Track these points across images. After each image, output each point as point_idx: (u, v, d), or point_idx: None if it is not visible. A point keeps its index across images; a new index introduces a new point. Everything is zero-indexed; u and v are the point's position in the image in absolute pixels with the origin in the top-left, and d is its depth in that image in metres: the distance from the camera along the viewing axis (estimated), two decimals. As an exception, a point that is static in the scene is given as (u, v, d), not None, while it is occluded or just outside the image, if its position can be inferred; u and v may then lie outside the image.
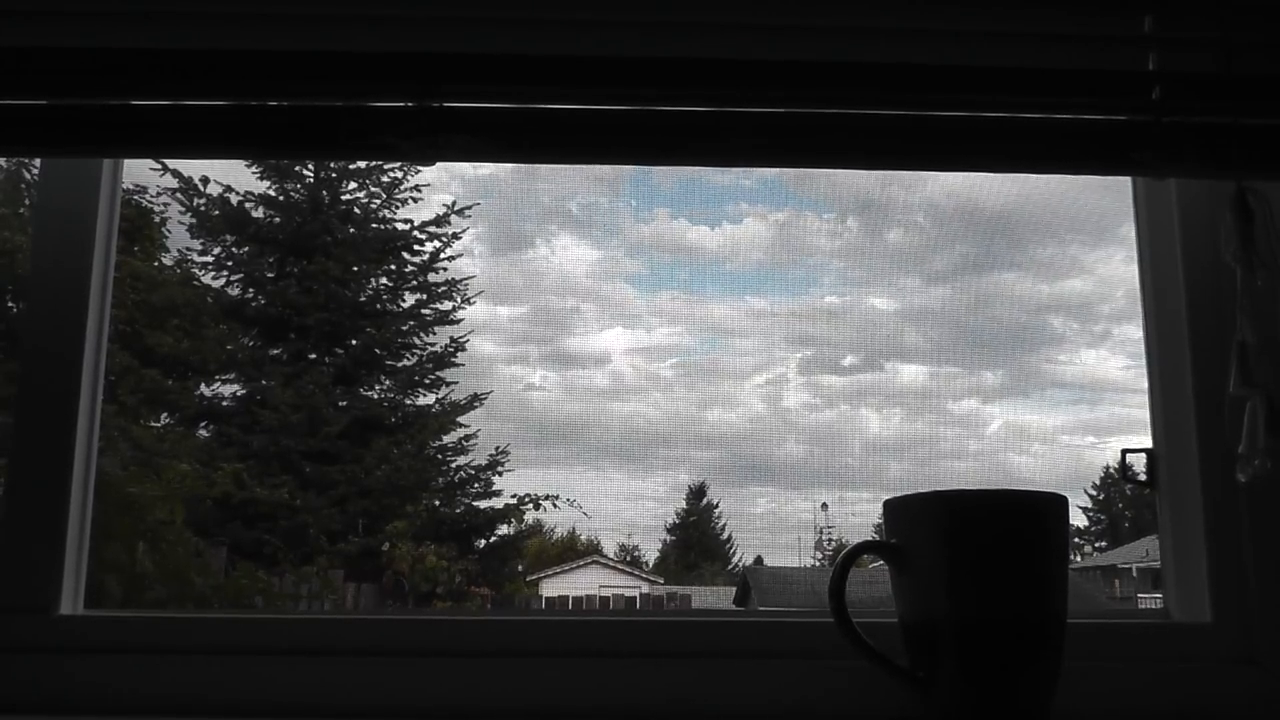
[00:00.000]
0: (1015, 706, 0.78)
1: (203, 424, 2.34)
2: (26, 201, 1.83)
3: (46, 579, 0.95)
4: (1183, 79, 0.92)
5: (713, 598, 2.44)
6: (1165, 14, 0.94)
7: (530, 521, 2.40)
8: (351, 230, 2.47)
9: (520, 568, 2.51)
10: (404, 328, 2.46)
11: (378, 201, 2.50)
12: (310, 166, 2.43)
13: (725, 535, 2.50)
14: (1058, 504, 0.82)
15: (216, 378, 2.35)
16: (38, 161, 1.06)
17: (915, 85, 0.92)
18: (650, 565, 2.43)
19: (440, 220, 2.46)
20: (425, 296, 2.47)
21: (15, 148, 1.15)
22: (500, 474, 2.37)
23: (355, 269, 2.46)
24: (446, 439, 2.42)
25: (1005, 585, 0.79)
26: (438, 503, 2.43)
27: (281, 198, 2.45)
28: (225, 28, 0.94)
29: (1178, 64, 0.94)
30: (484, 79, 0.91)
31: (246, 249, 2.44)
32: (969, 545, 0.79)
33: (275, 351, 2.40)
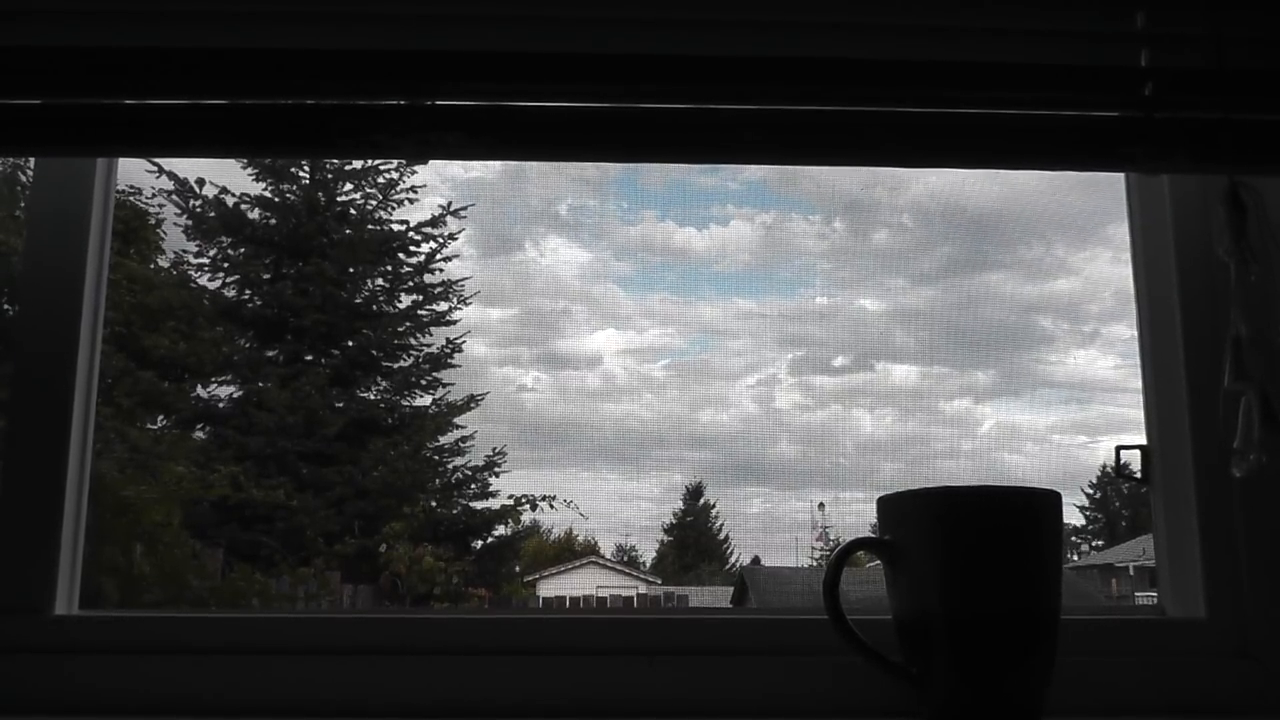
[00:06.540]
0: (1009, 701, 0.78)
1: (199, 426, 2.33)
2: (22, 204, 1.83)
3: (41, 579, 0.95)
4: (1174, 74, 0.93)
5: (710, 598, 2.43)
6: (1156, 10, 0.94)
7: (527, 522, 2.40)
8: (348, 231, 2.47)
9: (517, 568, 2.50)
10: (400, 329, 2.45)
11: (374, 203, 2.50)
12: (306, 168, 2.43)
13: (722, 535, 2.50)
14: (1051, 499, 0.82)
15: (213, 379, 2.35)
16: (32, 163, 1.06)
17: (905, 82, 0.92)
18: (647, 565, 2.43)
19: (436, 221, 2.45)
20: (421, 298, 2.47)
21: (8, 148, 1.15)
22: (497, 475, 2.37)
23: (351, 270, 2.45)
24: (443, 440, 2.41)
25: (998, 580, 0.79)
26: (435, 504, 2.42)
27: (277, 199, 2.45)
28: (218, 27, 0.94)
29: (1169, 60, 0.94)
30: (476, 77, 0.91)
31: (242, 250, 2.43)
32: (962, 541, 0.79)
33: (271, 353, 2.40)
